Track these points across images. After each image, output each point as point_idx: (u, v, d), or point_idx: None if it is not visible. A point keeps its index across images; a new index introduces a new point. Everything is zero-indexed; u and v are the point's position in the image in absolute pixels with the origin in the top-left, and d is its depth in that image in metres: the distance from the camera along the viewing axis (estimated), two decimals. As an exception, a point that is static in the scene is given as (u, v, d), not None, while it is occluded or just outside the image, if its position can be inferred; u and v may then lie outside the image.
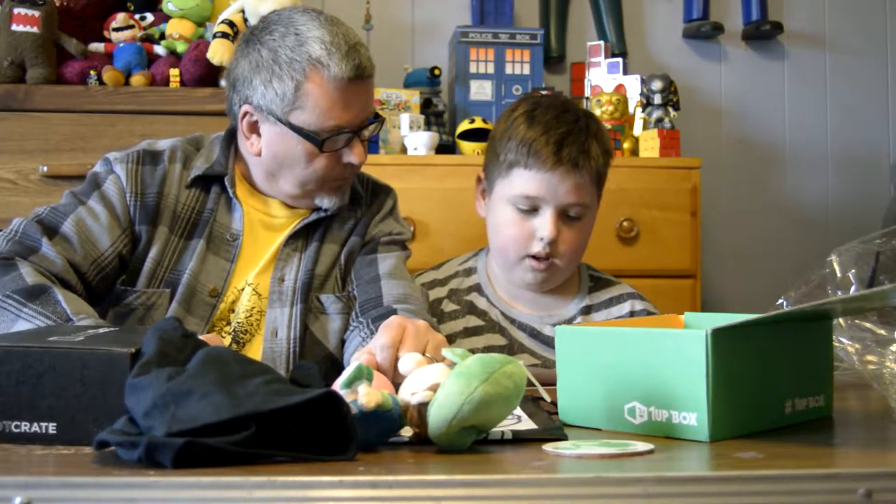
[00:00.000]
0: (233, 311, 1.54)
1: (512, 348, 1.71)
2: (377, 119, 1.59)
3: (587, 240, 1.73)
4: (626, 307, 1.76)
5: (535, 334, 1.71)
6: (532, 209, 1.66)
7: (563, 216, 1.66)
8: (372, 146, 2.47)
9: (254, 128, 1.54)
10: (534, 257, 1.67)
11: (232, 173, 1.58)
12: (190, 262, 1.52)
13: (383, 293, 1.56)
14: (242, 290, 1.56)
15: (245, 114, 1.54)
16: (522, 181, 1.65)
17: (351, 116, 1.50)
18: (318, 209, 1.60)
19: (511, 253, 1.69)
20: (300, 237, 1.60)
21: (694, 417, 0.91)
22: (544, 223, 1.64)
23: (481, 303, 1.77)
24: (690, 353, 0.91)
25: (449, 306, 1.77)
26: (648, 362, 0.95)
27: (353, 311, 1.57)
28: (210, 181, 1.58)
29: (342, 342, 1.58)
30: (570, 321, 1.74)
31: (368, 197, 1.69)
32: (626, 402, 0.96)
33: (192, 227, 1.55)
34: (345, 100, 1.49)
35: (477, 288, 1.79)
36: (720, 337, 0.91)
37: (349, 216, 1.65)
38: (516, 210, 1.67)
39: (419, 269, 1.85)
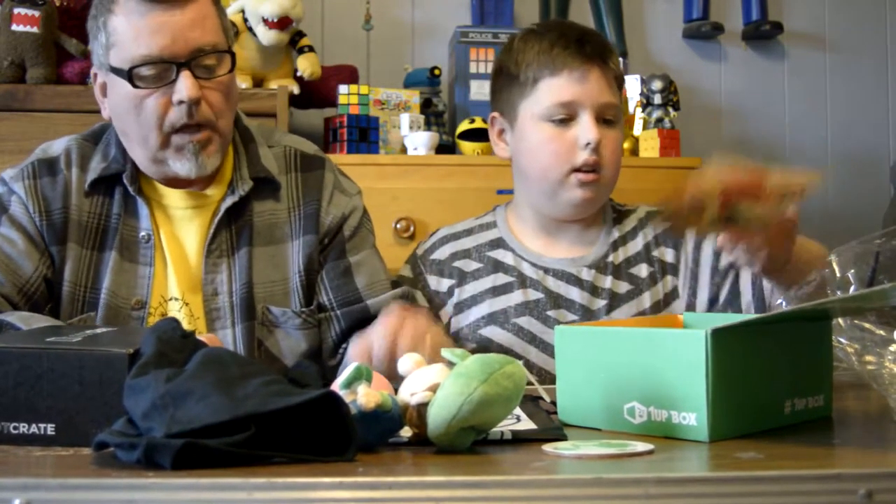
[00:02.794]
0: None
1: (551, 302, 1.57)
2: (221, 52, 1.39)
3: (622, 155, 1.62)
4: (649, 233, 1.63)
5: (573, 281, 1.58)
6: (569, 118, 1.54)
7: (599, 120, 1.55)
8: (372, 146, 2.47)
9: (103, 90, 1.42)
10: (580, 171, 1.54)
11: (131, 168, 1.42)
12: (105, 278, 1.39)
13: (370, 312, 1.44)
14: (169, 301, 1.41)
15: (94, 77, 1.43)
16: (554, 89, 1.54)
17: (163, 42, 1.33)
18: (227, 196, 1.43)
19: (554, 172, 1.55)
20: (222, 240, 1.43)
21: (694, 417, 0.91)
22: (586, 127, 1.53)
23: (507, 258, 1.62)
24: (690, 353, 0.91)
25: (470, 265, 1.63)
26: (648, 362, 0.95)
27: (340, 328, 1.46)
28: (112, 181, 1.43)
29: (307, 359, 1.43)
30: (604, 258, 1.61)
31: (296, 180, 1.49)
32: (625, 402, 0.96)
33: (101, 236, 1.41)
34: (150, 25, 1.33)
35: (500, 243, 1.64)
36: (720, 337, 0.91)
37: (278, 210, 1.47)
38: (552, 124, 1.55)
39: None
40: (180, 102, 1.35)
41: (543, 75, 1.55)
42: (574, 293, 1.57)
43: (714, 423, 0.91)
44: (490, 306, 1.57)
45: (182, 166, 1.38)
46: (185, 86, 1.34)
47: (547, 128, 1.55)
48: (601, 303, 1.56)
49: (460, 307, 1.59)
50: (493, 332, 1.55)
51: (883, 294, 0.89)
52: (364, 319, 1.42)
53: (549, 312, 1.55)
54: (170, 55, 1.34)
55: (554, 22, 1.67)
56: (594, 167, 1.54)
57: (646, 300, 1.57)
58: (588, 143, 1.52)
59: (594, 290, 1.57)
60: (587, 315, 1.55)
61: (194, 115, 1.36)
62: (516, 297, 1.58)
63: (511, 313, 1.56)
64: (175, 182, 1.44)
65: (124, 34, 1.34)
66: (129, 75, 1.33)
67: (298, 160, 1.50)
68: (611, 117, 1.56)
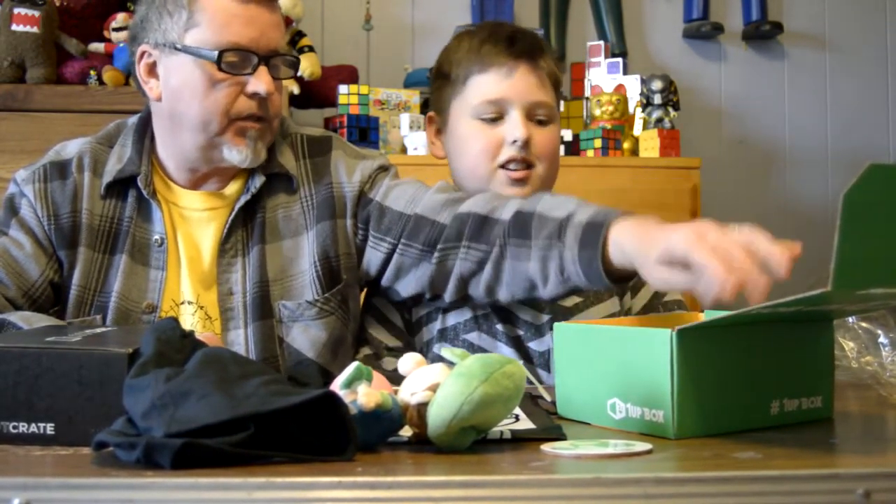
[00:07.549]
0: None
1: (499, 316, 1.50)
2: (292, 57, 1.44)
3: (559, 153, 1.60)
4: None
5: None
6: (497, 116, 1.52)
7: (531, 119, 1.53)
8: (372, 146, 2.47)
9: (152, 70, 1.39)
10: (508, 167, 1.51)
11: (147, 168, 1.42)
12: (115, 281, 1.39)
13: (436, 218, 1.39)
14: (181, 304, 1.41)
15: (142, 55, 1.39)
16: (482, 87, 1.53)
17: (253, 34, 1.36)
18: (242, 195, 1.42)
19: (481, 168, 1.52)
20: (237, 238, 1.42)
21: (661, 415, 0.92)
22: (513, 124, 1.51)
23: None
24: (657, 351, 0.92)
25: None
26: (625, 360, 0.97)
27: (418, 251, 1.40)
28: (126, 184, 1.42)
29: (331, 350, 1.44)
30: None
31: (306, 166, 1.48)
32: (608, 398, 0.98)
33: (113, 239, 1.41)
34: (245, 14, 1.36)
35: None
36: (686, 336, 0.92)
37: (291, 203, 1.45)
38: (480, 122, 1.53)
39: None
40: (254, 95, 1.37)
41: (472, 72, 1.53)
42: (520, 307, 1.51)
43: (681, 420, 0.91)
44: (441, 323, 1.51)
45: (238, 153, 1.38)
46: (264, 80, 1.37)
47: (476, 125, 1.53)
48: (545, 317, 1.50)
49: (417, 326, 1.53)
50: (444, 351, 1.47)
51: (810, 302, 0.87)
52: (427, 231, 1.39)
53: (498, 326, 1.50)
54: (255, 48, 1.36)
55: (489, 22, 1.65)
56: (525, 163, 1.51)
57: (593, 314, 1.51)
58: (515, 141, 1.49)
59: (536, 305, 1.50)
60: (533, 330, 1.50)
61: (264, 109, 1.39)
62: (465, 312, 1.51)
63: (461, 329, 1.51)
64: (198, 181, 1.44)
65: (215, 17, 1.35)
66: (219, 58, 1.34)
67: (306, 146, 1.50)
68: (543, 117, 1.54)
